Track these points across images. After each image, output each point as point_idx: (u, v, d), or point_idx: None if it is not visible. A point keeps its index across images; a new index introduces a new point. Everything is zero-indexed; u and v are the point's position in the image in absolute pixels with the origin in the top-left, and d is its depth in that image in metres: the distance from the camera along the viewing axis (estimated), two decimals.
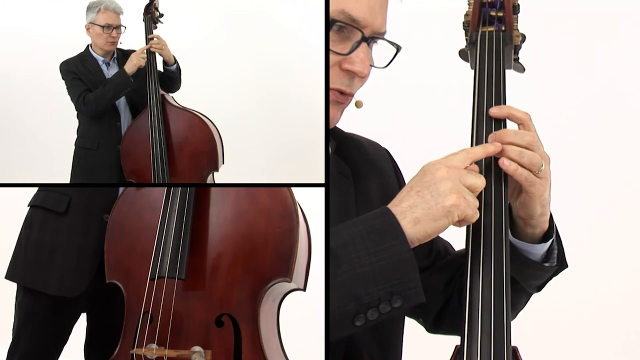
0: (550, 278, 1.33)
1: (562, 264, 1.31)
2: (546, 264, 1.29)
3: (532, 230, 1.25)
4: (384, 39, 1.27)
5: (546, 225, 1.26)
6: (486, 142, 1.18)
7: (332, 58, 1.23)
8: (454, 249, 1.54)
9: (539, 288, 1.36)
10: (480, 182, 1.12)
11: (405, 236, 1.07)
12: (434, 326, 1.53)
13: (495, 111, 1.20)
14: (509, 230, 1.22)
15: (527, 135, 1.16)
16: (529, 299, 1.40)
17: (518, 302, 1.38)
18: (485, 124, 1.20)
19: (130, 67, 2.17)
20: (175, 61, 2.28)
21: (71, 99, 2.22)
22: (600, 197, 3.01)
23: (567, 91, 3.01)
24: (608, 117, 3.01)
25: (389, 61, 1.29)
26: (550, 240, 1.28)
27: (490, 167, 1.17)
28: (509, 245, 1.16)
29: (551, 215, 1.27)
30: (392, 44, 1.28)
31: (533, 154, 1.15)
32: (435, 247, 1.51)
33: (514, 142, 1.15)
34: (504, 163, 1.14)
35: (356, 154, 1.45)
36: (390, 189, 1.46)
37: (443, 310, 1.48)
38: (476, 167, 1.15)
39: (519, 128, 1.20)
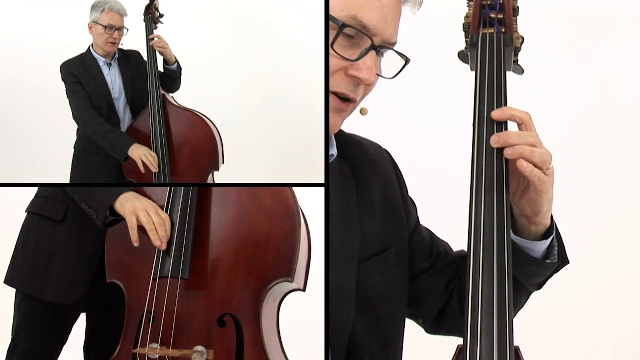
0: (551, 275, 1.34)
1: (563, 261, 1.32)
2: (548, 261, 1.30)
3: (535, 227, 1.26)
4: (393, 49, 1.26)
5: (549, 222, 1.27)
6: (488, 143, 1.18)
7: (339, 63, 1.21)
8: (453, 250, 1.55)
9: (540, 286, 1.37)
10: None
11: None
12: (434, 327, 1.53)
13: (497, 114, 1.19)
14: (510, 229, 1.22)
15: (530, 137, 1.17)
16: (528, 297, 1.41)
17: (518, 301, 1.38)
18: (487, 125, 1.20)
19: (134, 155, 2.13)
20: (176, 61, 2.28)
21: (70, 104, 2.20)
22: (600, 196, 3.01)
23: (567, 92, 3.01)
24: (607, 116, 3.01)
25: (396, 73, 1.28)
26: (551, 237, 1.29)
27: (492, 166, 1.18)
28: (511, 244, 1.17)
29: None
30: (402, 55, 1.27)
31: (543, 152, 1.16)
32: (436, 249, 1.51)
33: (518, 143, 1.16)
34: (523, 165, 1.15)
35: (357, 155, 1.46)
36: (391, 190, 1.47)
37: (443, 311, 1.49)
38: None
39: (520, 128, 1.20)
